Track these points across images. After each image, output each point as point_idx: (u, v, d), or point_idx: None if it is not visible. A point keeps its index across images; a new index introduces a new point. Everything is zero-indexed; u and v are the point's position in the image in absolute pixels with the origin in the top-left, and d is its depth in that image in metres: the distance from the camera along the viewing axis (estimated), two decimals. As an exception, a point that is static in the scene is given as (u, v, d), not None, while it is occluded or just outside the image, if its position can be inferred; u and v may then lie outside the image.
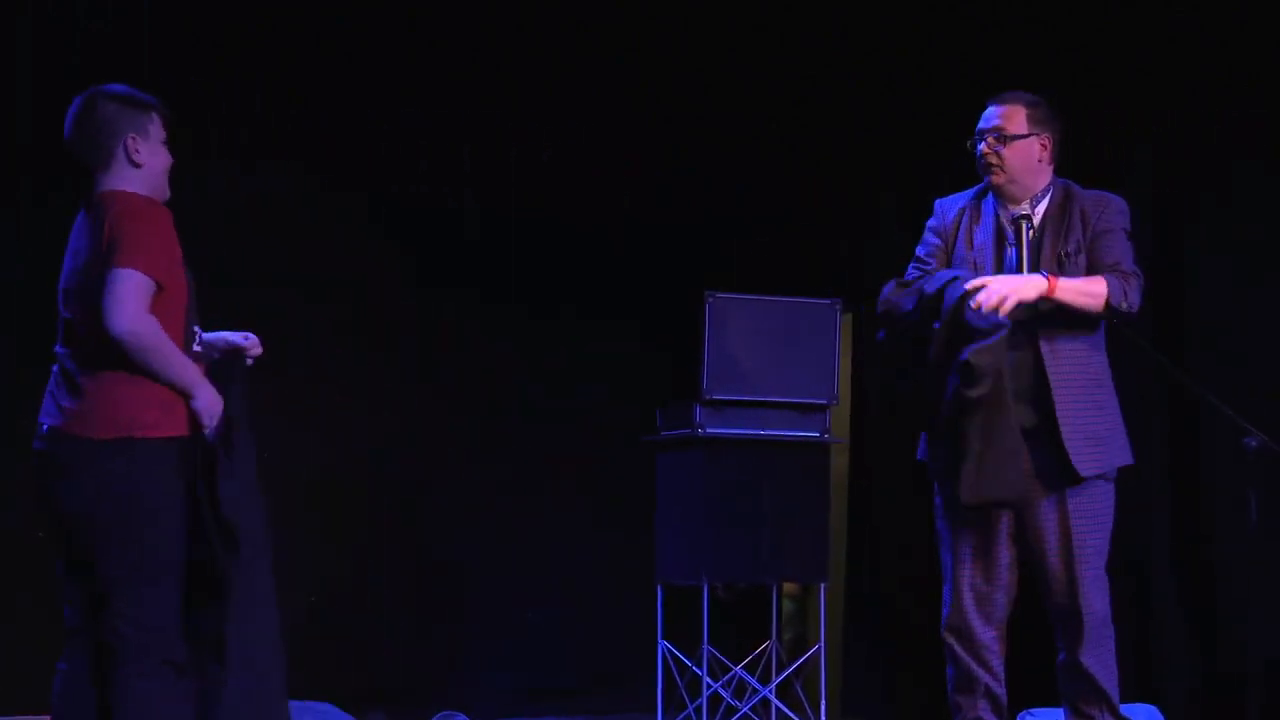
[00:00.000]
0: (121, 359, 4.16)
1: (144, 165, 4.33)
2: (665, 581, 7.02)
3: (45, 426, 4.27)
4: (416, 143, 7.52)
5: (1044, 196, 4.95)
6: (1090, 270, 4.88)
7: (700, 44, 7.69)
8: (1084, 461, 4.81)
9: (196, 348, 4.37)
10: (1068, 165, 7.31)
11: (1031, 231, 4.87)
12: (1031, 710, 6.37)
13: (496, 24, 7.48)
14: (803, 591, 8.13)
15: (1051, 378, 4.80)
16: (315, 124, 7.30)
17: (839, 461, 7.59)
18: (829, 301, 7.06)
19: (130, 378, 4.19)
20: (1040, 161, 4.94)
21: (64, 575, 4.32)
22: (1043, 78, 7.22)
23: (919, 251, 5.06)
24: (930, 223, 5.08)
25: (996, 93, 5.06)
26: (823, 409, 7.05)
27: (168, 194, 4.40)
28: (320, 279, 7.35)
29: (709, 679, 6.95)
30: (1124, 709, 6.28)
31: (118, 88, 4.38)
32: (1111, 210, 4.95)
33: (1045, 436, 4.79)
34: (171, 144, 4.42)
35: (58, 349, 4.32)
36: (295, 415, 7.19)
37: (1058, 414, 4.78)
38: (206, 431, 4.26)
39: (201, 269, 4.46)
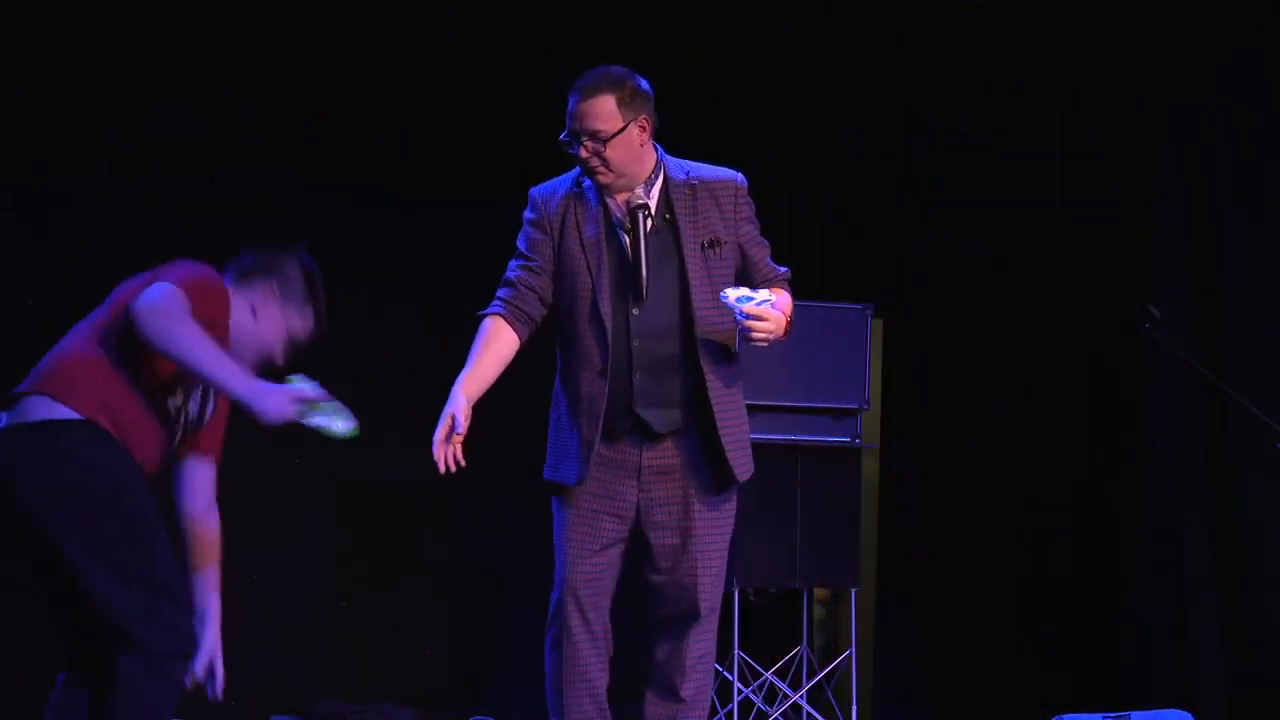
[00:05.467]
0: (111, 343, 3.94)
1: (259, 323, 4.16)
2: (696, 586, 7.02)
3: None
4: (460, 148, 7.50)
5: (656, 178, 4.51)
6: (749, 272, 4.56)
7: (726, 36, 7.67)
8: None
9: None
10: (1091, 172, 7.32)
11: (650, 220, 4.46)
12: (1063, 716, 6.35)
13: (509, 18, 7.45)
14: (834, 597, 8.12)
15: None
16: (330, 131, 7.30)
17: (870, 466, 7.58)
18: (860, 306, 7.05)
19: (109, 359, 3.93)
20: (643, 146, 4.47)
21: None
22: (1070, 79, 7.25)
23: (520, 245, 4.58)
24: (528, 215, 4.58)
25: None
26: (854, 414, 7.03)
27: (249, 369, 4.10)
28: (342, 280, 7.34)
29: (739, 684, 6.94)
30: (1158, 714, 6.28)
31: (315, 270, 4.25)
32: (743, 195, 4.58)
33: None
34: (288, 355, 4.24)
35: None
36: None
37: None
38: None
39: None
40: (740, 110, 7.73)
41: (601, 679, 4.57)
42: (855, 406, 7.02)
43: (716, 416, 4.45)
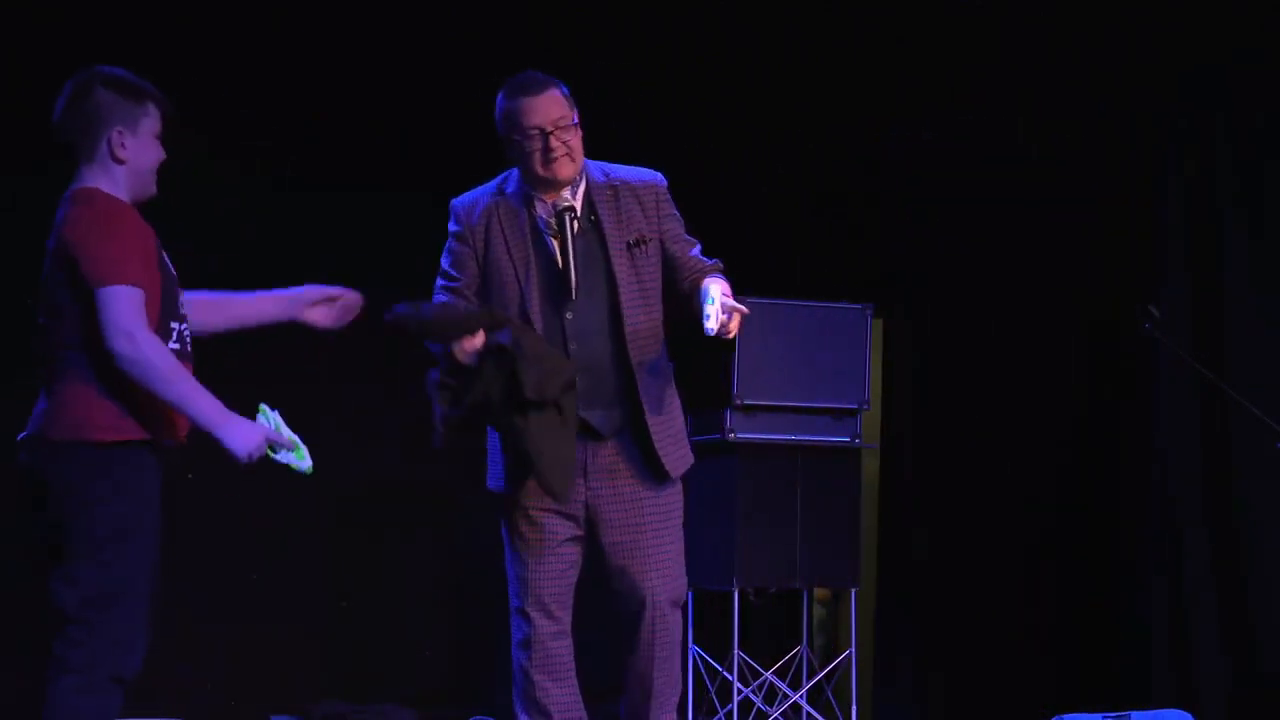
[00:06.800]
0: (73, 360, 3.99)
1: (128, 162, 4.10)
2: (696, 586, 7.01)
3: (22, 435, 4.09)
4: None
5: (580, 181, 4.59)
6: (675, 269, 4.60)
7: (729, 38, 7.68)
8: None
9: (174, 345, 4.09)
10: (1090, 172, 7.32)
11: (576, 223, 4.54)
12: (1063, 716, 6.35)
13: (510, 19, 7.46)
14: (834, 597, 8.13)
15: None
16: (338, 129, 7.30)
17: (870, 466, 7.58)
18: (860, 306, 7.06)
19: (87, 377, 3.98)
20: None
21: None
22: (1071, 79, 7.25)
23: (444, 262, 4.70)
24: (452, 228, 4.69)
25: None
26: (854, 414, 7.04)
27: (153, 191, 4.18)
28: (345, 282, 7.35)
29: (739, 684, 6.94)
30: (1158, 714, 6.28)
31: (116, 72, 4.15)
32: (664, 195, 4.65)
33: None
34: (166, 138, 4.20)
35: (35, 352, 4.14)
36: (325, 420, 7.18)
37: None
38: (243, 456, 3.97)
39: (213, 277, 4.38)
40: (741, 111, 7.74)
41: (573, 671, 4.65)
42: (855, 406, 7.02)
43: (647, 415, 4.54)
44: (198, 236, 6.95)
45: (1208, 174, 6.96)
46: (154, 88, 4.19)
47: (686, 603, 6.96)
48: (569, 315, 4.53)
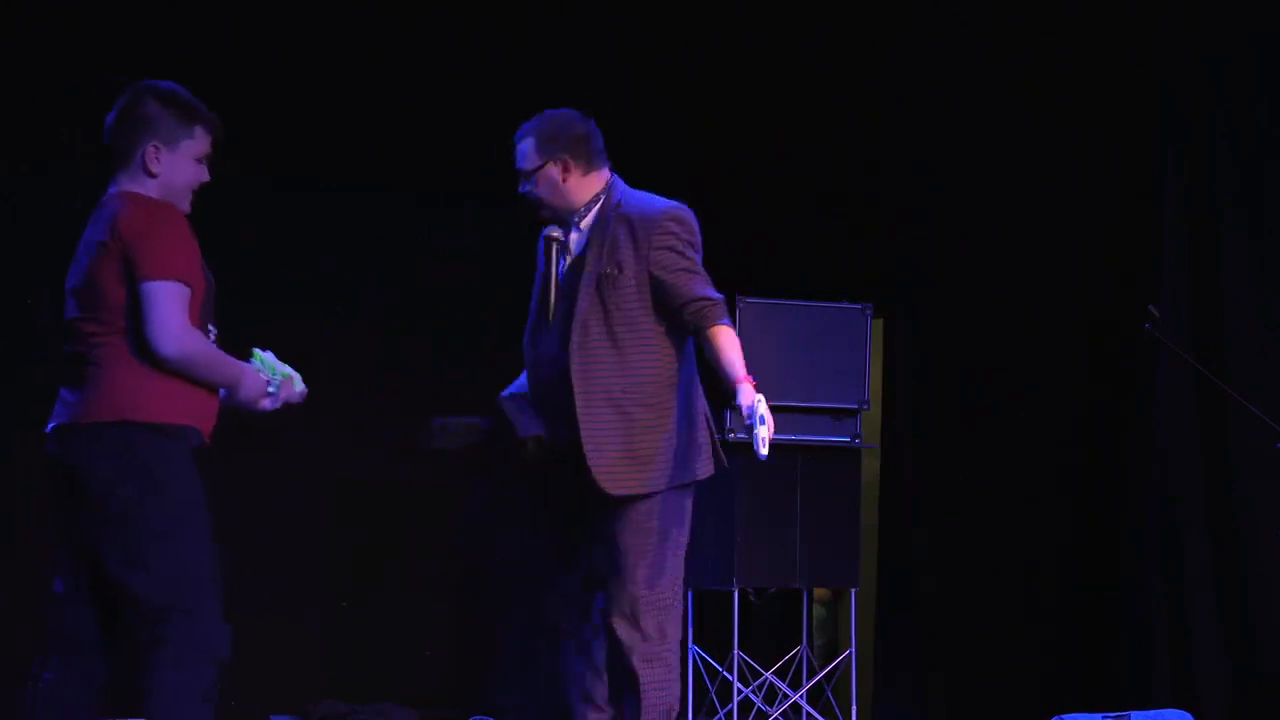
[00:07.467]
0: (120, 346, 4.07)
1: (159, 176, 4.19)
2: (696, 586, 7.02)
3: (51, 426, 4.15)
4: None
5: (588, 212, 4.75)
6: (665, 297, 4.65)
7: (728, 38, 7.67)
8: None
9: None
10: (1090, 172, 7.31)
11: (567, 257, 4.75)
12: (1063, 716, 6.35)
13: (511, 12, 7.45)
14: (834, 597, 8.13)
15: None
16: (345, 128, 7.30)
17: (870, 466, 7.58)
18: (860, 306, 7.06)
19: (129, 364, 4.08)
20: (564, 183, 4.72)
21: (69, 586, 4.15)
22: (1070, 78, 7.25)
23: None
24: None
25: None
26: (854, 414, 7.04)
27: (186, 209, 4.26)
28: (344, 282, 7.37)
29: (739, 684, 6.94)
30: (1158, 714, 6.28)
31: (172, 88, 4.25)
32: (668, 226, 4.69)
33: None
34: (213, 161, 4.29)
35: (65, 349, 4.20)
36: (325, 420, 7.19)
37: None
38: (258, 407, 4.27)
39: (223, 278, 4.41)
40: (741, 111, 7.74)
41: (585, 644, 4.77)
42: (855, 406, 7.02)
43: (583, 438, 4.63)
44: (198, 236, 6.97)
45: (1207, 174, 6.96)
46: (209, 111, 4.28)
47: (686, 604, 6.99)
48: (540, 339, 4.78)
